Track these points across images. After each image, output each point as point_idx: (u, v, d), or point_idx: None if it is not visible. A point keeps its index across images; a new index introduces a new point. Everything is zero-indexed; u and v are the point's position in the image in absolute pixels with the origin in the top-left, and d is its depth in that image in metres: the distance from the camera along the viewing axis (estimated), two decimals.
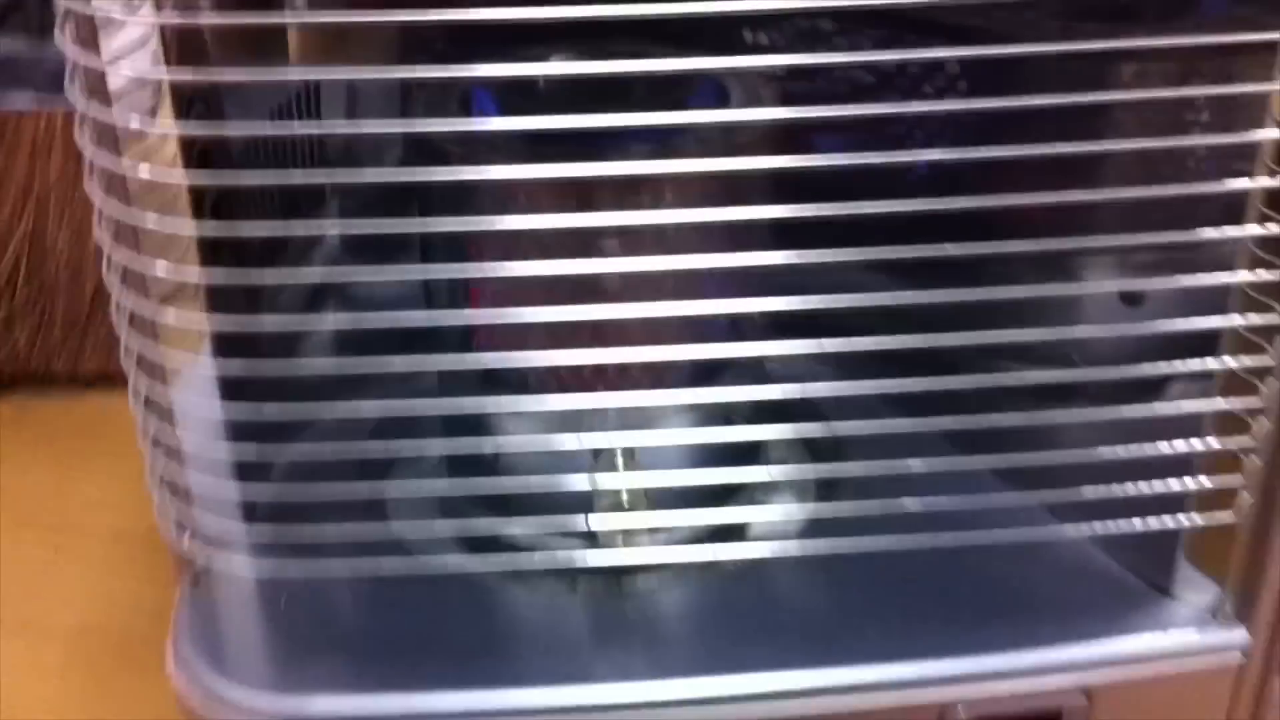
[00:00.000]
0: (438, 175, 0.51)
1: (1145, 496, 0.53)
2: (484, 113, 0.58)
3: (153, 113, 0.48)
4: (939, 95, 0.67)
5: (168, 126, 0.50)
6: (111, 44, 0.48)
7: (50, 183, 1.27)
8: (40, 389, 1.24)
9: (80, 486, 1.09)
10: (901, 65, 0.69)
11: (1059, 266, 0.62)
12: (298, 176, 0.55)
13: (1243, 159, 0.50)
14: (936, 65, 0.67)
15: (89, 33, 0.47)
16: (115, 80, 0.48)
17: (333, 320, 0.60)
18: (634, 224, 0.54)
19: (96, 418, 1.19)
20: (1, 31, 1.27)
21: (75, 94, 0.48)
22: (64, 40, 0.48)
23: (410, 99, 0.59)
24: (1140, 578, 0.57)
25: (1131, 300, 0.62)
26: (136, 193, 0.49)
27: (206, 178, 0.49)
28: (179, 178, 0.49)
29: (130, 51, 0.48)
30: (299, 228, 0.56)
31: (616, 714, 0.53)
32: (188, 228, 0.49)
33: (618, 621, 0.57)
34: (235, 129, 0.52)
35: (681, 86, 0.58)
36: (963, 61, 0.62)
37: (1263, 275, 0.49)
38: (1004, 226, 0.60)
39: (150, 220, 0.48)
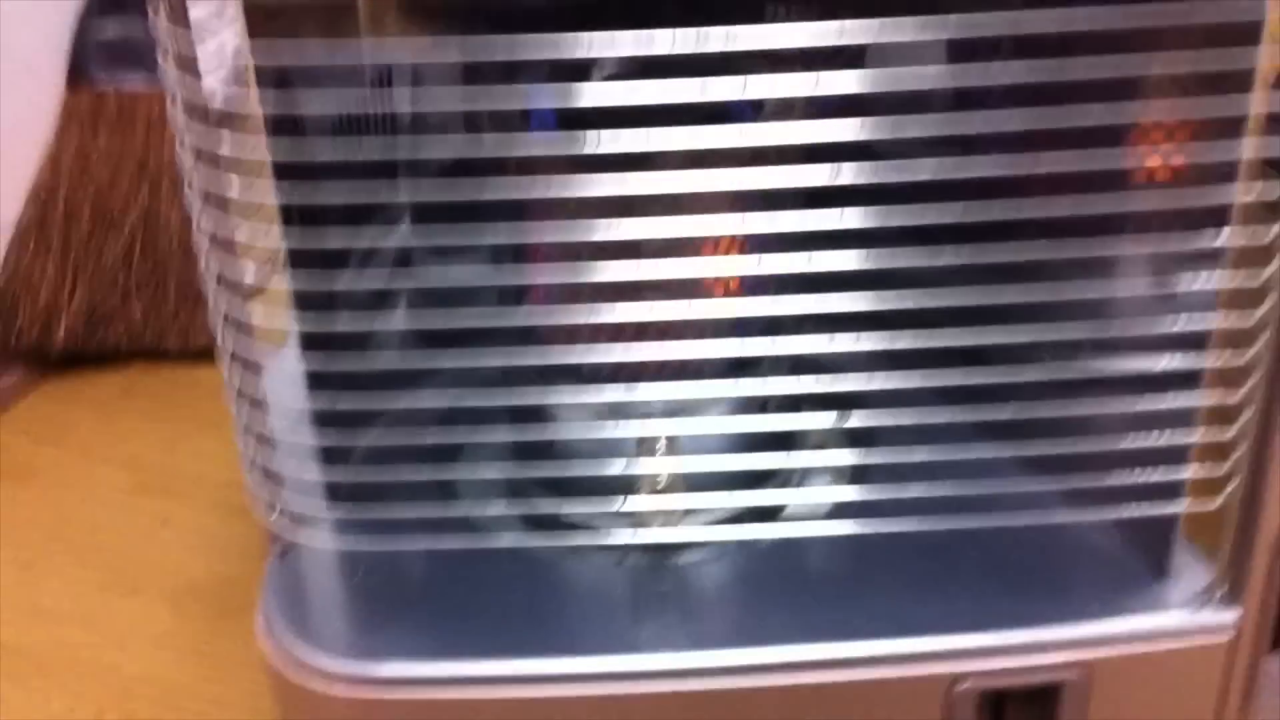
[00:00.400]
0: (501, 189, 0.56)
1: (1145, 484, 0.57)
2: (541, 119, 0.63)
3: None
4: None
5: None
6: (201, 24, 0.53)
7: (164, 161, 1.34)
8: (153, 362, 1.32)
9: (187, 458, 1.16)
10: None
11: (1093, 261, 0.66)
12: (372, 188, 0.60)
13: None
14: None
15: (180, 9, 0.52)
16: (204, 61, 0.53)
17: (406, 318, 0.66)
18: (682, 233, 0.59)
19: (205, 391, 1.26)
20: (117, 13, 1.33)
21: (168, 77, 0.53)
22: (155, 20, 0.53)
23: (475, 119, 0.64)
24: (1140, 559, 0.61)
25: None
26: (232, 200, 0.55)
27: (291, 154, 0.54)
28: (264, 153, 0.54)
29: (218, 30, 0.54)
30: (375, 233, 0.61)
31: (655, 681, 0.58)
32: (274, 235, 0.55)
33: (659, 595, 0.63)
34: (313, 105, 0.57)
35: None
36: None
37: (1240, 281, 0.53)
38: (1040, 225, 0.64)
39: (243, 231, 0.54)
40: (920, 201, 0.54)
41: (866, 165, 0.54)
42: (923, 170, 0.53)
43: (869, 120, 0.54)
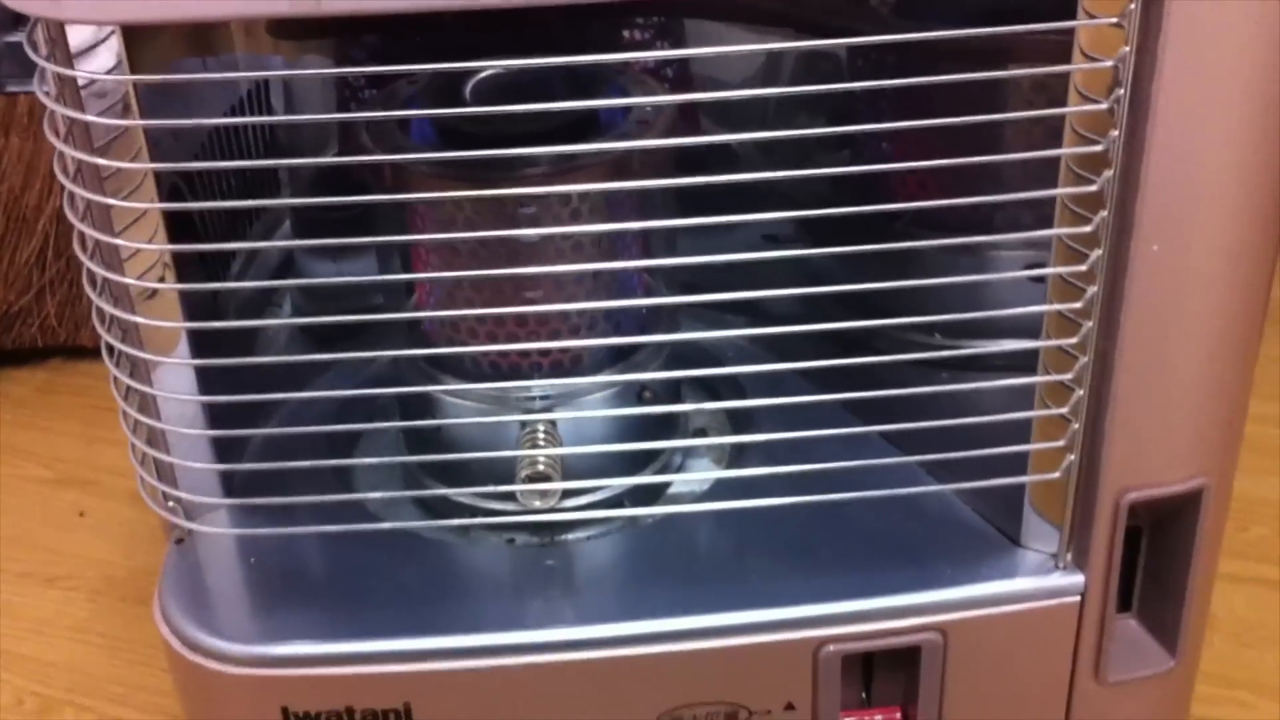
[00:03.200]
0: (378, 159, 0.59)
1: (994, 455, 0.61)
2: (418, 130, 0.66)
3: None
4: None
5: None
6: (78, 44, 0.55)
7: None
8: (70, 359, 1.33)
9: (106, 451, 1.18)
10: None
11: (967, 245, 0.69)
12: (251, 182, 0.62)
13: None
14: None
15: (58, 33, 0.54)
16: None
17: (293, 316, 0.69)
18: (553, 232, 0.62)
19: None
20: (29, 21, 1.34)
21: (46, 97, 0.55)
22: (33, 43, 0.55)
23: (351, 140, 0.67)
24: (994, 527, 0.65)
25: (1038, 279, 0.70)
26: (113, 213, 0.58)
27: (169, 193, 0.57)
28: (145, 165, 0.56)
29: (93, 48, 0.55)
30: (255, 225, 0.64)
31: (543, 654, 0.61)
32: (156, 243, 0.57)
33: (546, 573, 0.66)
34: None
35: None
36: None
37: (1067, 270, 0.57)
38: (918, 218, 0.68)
39: (126, 240, 0.56)
40: (782, 197, 0.58)
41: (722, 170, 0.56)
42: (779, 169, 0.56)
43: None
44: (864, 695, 0.65)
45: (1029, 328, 0.61)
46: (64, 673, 0.93)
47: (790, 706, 0.63)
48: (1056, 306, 0.57)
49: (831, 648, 0.61)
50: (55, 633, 0.97)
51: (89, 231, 0.56)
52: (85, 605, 1.00)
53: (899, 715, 0.64)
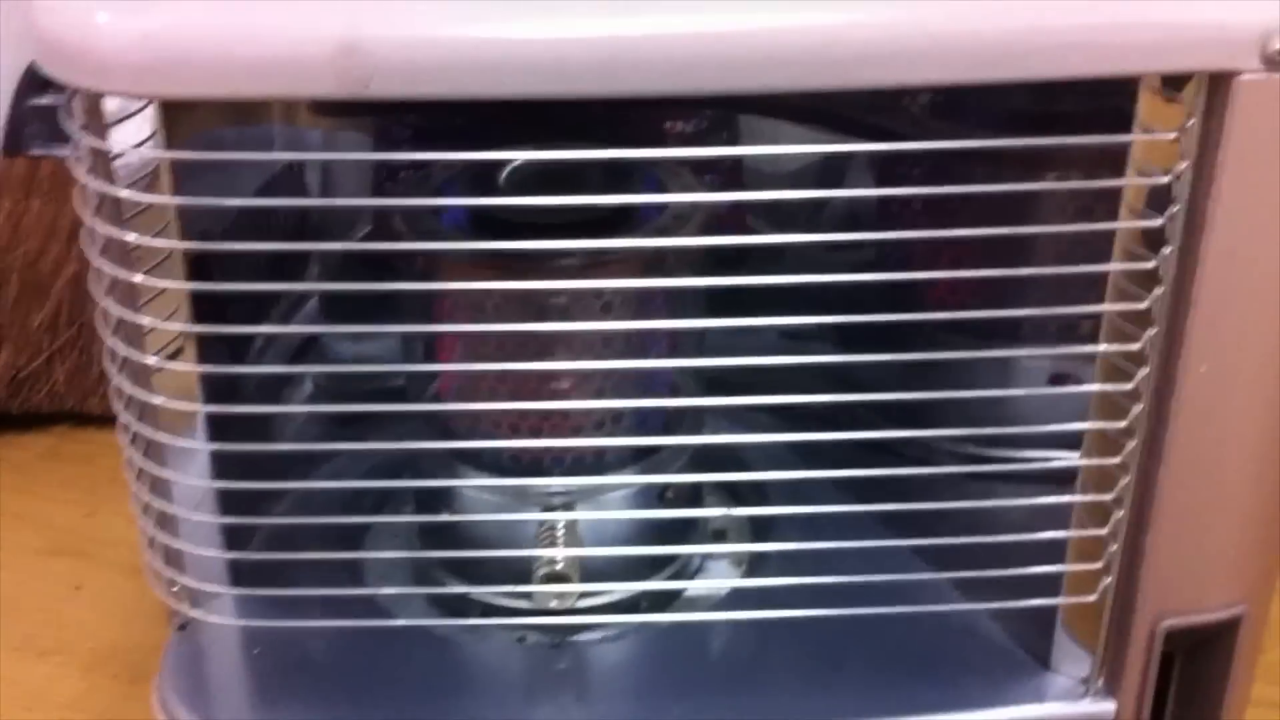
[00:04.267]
0: (408, 247, 0.58)
1: (1026, 576, 0.59)
2: (450, 217, 0.65)
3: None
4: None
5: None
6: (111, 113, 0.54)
7: None
8: (76, 427, 1.31)
9: (107, 521, 1.16)
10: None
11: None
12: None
13: None
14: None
15: (94, 107, 0.54)
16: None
17: (314, 400, 0.68)
18: (583, 330, 0.61)
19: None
20: (57, 85, 1.34)
21: (78, 167, 0.54)
22: (69, 120, 0.54)
23: (384, 219, 0.66)
24: (1022, 649, 0.63)
25: (1060, 382, 0.68)
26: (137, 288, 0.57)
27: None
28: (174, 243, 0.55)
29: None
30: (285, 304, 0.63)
31: None
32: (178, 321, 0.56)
33: (559, 675, 0.64)
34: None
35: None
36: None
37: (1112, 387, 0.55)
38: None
39: (147, 320, 0.55)
40: (808, 304, 0.56)
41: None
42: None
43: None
44: None
45: (1057, 441, 0.59)
46: None
47: None
48: (1102, 424, 0.55)
49: None
50: (45, 709, 0.95)
51: (112, 309, 0.55)
52: (77, 681, 0.97)
53: None
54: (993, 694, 0.61)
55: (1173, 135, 0.50)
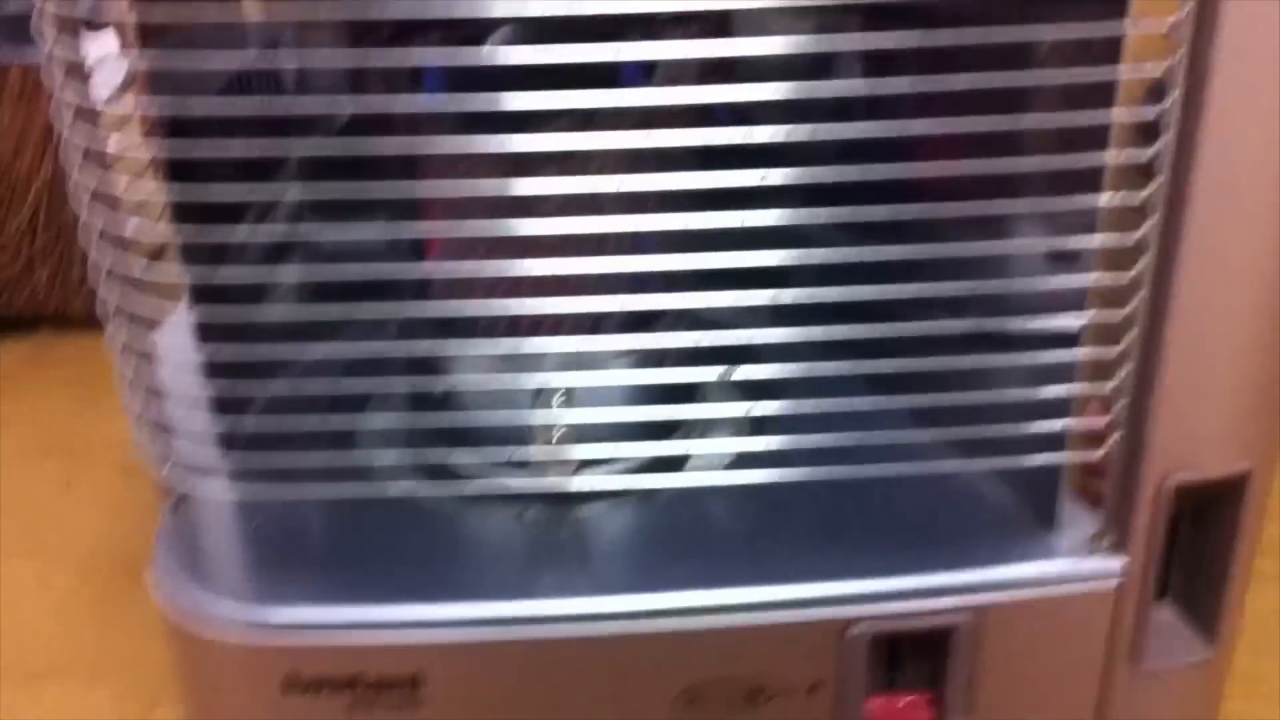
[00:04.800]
0: (389, 149, 0.56)
1: (1031, 435, 0.58)
2: (431, 83, 0.63)
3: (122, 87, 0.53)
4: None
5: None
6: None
7: None
8: (59, 329, 1.31)
9: (93, 421, 1.15)
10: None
11: (986, 222, 0.67)
12: (258, 147, 0.59)
13: None
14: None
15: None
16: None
17: (300, 272, 0.66)
18: (568, 191, 0.59)
19: (109, 356, 1.25)
20: None
21: (52, 73, 0.53)
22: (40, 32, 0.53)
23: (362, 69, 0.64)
24: (1029, 509, 0.62)
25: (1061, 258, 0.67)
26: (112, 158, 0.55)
27: (172, 149, 0.54)
28: (146, 150, 0.54)
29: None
30: (262, 191, 0.61)
31: (555, 625, 0.59)
32: (158, 193, 0.54)
33: (560, 544, 0.63)
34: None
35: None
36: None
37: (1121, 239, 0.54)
38: (934, 187, 0.65)
39: (122, 186, 0.53)
40: (810, 161, 0.55)
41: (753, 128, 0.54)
42: (807, 132, 0.54)
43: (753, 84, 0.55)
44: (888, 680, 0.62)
45: (1053, 305, 0.58)
46: (50, 643, 0.91)
47: (814, 688, 0.60)
48: (1110, 275, 0.54)
49: (860, 628, 0.59)
50: (43, 603, 0.95)
51: (86, 179, 0.53)
52: (71, 577, 0.97)
53: (927, 700, 0.61)
54: (1000, 552, 0.60)
55: (1170, 21, 0.49)
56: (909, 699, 0.61)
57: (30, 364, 1.27)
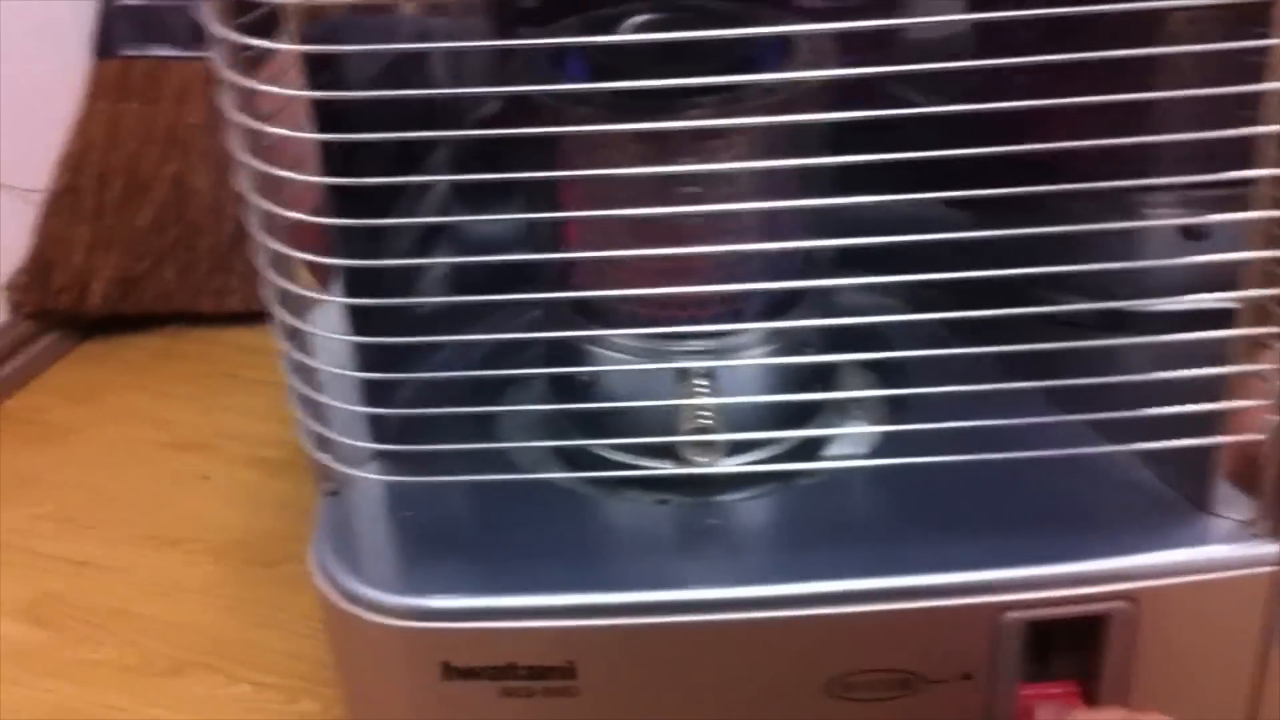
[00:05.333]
0: (532, 131, 0.57)
1: (1183, 416, 0.57)
2: (573, 70, 0.63)
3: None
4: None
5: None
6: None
7: (192, 126, 1.34)
8: (188, 325, 1.33)
9: (225, 416, 1.17)
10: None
11: (1119, 202, 0.67)
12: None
13: None
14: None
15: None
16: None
17: (446, 260, 0.67)
18: (708, 170, 0.60)
19: (239, 352, 1.27)
20: None
21: (216, 64, 0.54)
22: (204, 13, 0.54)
23: (508, 54, 0.65)
24: (1182, 494, 0.61)
25: (1191, 234, 0.66)
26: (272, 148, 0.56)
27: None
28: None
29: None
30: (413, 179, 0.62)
31: (704, 613, 0.59)
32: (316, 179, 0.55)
33: (705, 531, 0.63)
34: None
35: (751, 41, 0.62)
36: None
37: None
38: (1066, 166, 0.65)
39: (284, 176, 0.55)
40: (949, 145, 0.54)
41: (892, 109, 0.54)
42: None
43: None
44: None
45: (1181, 287, 0.58)
46: (192, 634, 0.92)
47: (966, 676, 0.59)
48: (1268, 254, 0.53)
49: (1014, 615, 0.58)
50: (182, 595, 0.97)
51: (253, 163, 0.54)
52: (210, 568, 0.99)
53: (1080, 688, 0.60)
54: (1152, 538, 0.59)
55: None
56: (1061, 687, 0.60)
57: (161, 359, 1.29)
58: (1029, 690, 0.60)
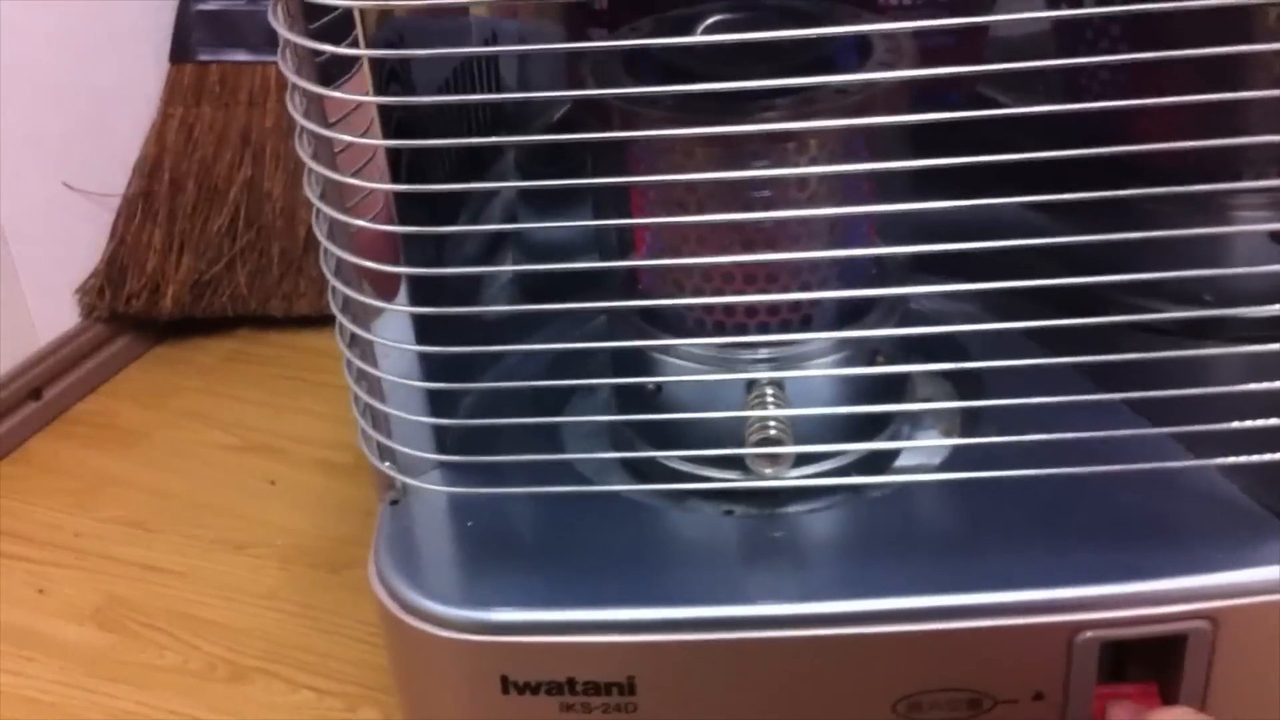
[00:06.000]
0: (602, 136, 0.56)
1: (1269, 428, 0.56)
2: (645, 70, 0.62)
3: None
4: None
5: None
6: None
7: (266, 130, 1.35)
8: (259, 329, 1.33)
9: (293, 420, 1.18)
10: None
11: (1207, 204, 0.65)
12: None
13: None
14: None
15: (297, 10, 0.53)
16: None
17: (510, 266, 0.67)
18: (782, 175, 0.59)
19: (309, 356, 1.28)
20: None
21: (286, 69, 0.54)
22: (275, 19, 0.54)
23: (579, 55, 0.64)
24: (1264, 506, 0.59)
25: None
26: (340, 155, 0.56)
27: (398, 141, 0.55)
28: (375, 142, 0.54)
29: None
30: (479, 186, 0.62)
31: (767, 630, 0.58)
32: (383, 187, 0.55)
33: (770, 545, 0.62)
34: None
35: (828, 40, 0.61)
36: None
37: None
38: (1152, 167, 0.63)
39: (352, 181, 0.54)
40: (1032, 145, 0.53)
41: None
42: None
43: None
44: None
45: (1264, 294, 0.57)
46: (255, 640, 0.92)
47: (1039, 696, 0.58)
48: None
49: (1089, 634, 0.57)
50: (246, 600, 0.96)
51: (318, 169, 0.54)
52: (275, 573, 0.99)
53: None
54: (1233, 554, 0.57)
55: None
56: (1140, 687, 0.58)
57: (232, 362, 1.30)
58: (1105, 690, 0.58)
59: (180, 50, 1.37)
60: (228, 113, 1.36)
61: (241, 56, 1.36)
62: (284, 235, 1.33)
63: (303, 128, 0.54)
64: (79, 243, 1.30)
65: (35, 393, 1.22)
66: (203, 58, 1.37)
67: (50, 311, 1.26)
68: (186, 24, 1.36)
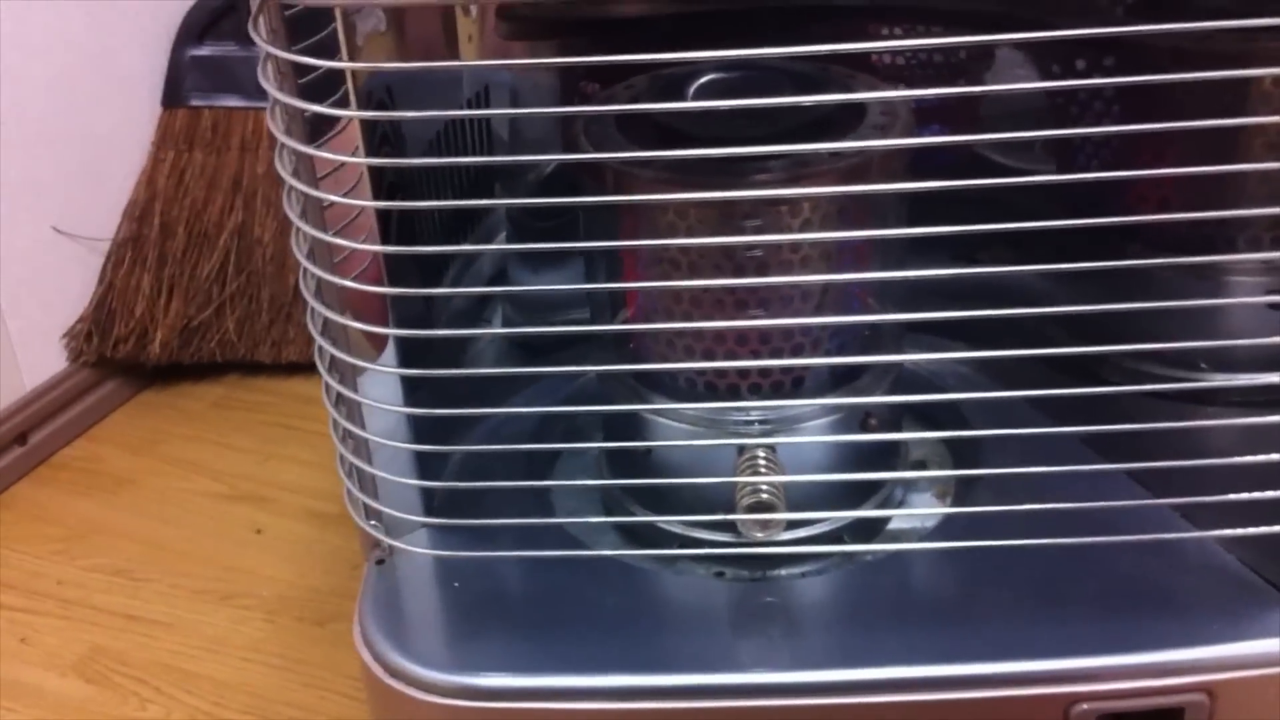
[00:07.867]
0: (594, 201, 0.56)
1: (1269, 500, 0.55)
2: (638, 129, 0.62)
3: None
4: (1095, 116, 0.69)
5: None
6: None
7: (257, 176, 1.35)
8: (247, 375, 1.33)
9: (280, 467, 1.17)
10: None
11: (1205, 271, 0.65)
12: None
13: None
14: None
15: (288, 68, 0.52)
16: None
17: (499, 330, 0.66)
18: (776, 240, 0.58)
19: (297, 403, 1.27)
20: (214, 35, 1.35)
21: (275, 129, 0.53)
22: (265, 78, 0.53)
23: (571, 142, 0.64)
24: (1263, 578, 0.59)
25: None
26: (329, 211, 0.55)
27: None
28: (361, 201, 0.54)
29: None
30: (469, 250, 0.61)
31: (758, 698, 0.57)
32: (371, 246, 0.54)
33: (760, 610, 0.61)
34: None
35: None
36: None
37: None
38: (1150, 232, 0.63)
39: (340, 242, 0.54)
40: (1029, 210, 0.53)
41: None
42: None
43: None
44: None
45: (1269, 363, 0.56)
46: (239, 694, 0.91)
47: None
48: None
49: (1086, 705, 0.56)
50: (230, 652, 0.95)
51: (306, 229, 0.53)
52: (260, 625, 0.98)
53: None
54: (1232, 626, 0.57)
55: None
56: None
57: (220, 408, 1.29)
58: None
59: (173, 95, 1.36)
60: (219, 158, 1.36)
61: (234, 102, 1.36)
62: (274, 281, 1.33)
63: (291, 187, 0.54)
64: (67, 287, 1.29)
65: (21, 437, 1.21)
66: (195, 102, 1.36)
67: (37, 356, 1.25)
68: (180, 69, 1.36)
